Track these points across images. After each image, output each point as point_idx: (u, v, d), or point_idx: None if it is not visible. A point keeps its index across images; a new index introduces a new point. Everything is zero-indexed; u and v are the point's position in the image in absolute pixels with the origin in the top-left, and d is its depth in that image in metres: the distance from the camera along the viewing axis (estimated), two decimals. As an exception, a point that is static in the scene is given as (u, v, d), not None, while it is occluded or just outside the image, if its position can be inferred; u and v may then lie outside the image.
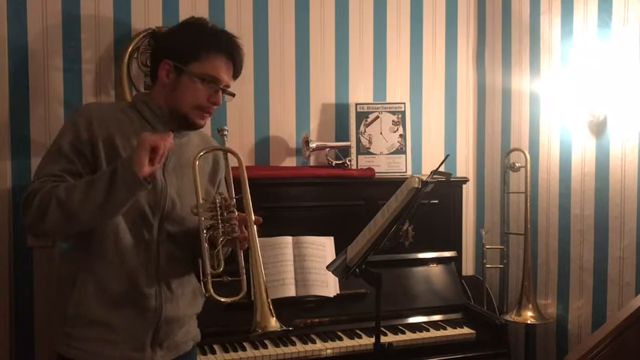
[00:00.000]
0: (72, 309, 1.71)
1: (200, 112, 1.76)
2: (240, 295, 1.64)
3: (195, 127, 1.79)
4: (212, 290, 1.61)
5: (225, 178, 1.77)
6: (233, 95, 1.84)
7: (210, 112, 1.78)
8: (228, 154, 1.76)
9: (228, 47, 1.78)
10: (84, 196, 1.56)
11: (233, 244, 1.69)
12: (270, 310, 1.59)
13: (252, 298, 1.61)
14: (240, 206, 1.68)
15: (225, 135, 1.77)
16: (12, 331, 2.50)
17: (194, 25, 1.81)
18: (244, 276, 1.66)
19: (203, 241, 1.63)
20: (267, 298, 1.61)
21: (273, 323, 1.58)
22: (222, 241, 1.65)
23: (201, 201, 1.65)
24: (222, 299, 1.62)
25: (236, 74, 1.84)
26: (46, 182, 1.62)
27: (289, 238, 2.55)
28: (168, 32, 1.87)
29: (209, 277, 1.62)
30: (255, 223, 1.67)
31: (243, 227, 1.68)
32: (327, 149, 2.95)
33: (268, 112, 2.92)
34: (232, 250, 1.74)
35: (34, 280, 2.53)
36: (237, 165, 1.73)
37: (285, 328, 1.60)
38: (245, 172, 1.72)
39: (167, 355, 1.78)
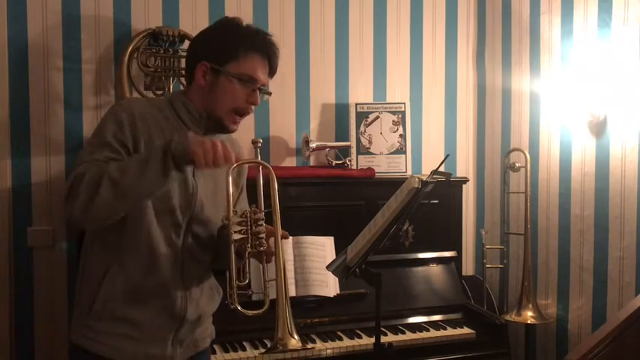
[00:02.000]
0: (99, 304, 1.70)
1: (235, 116, 1.76)
2: (264, 309, 1.64)
3: (228, 131, 1.79)
4: (237, 302, 1.61)
5: (256, 190, 1.74)
6: (270, 94, 1.85)
7: (247, 112, 1.78)
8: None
9: (264, 46, 1.78)
10: (138, 174, 1.52)
11: (259, 257, 1.68)
12: (291, 328, 1.58)
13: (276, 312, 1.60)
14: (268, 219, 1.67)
15: (259, 147, 1.76)
16: (12, 331, 2.50)
17: (229, 25, 1.80)
18: (268, 290, 1.66)
19: (231, 252, 1.62)
20: (290, 316, 1.59)
21: (294, 342, 1.57)
22: (249, 253, 1.65)
23: (232, 213, 1.63)
24: (247, 312, 1.62)
25: (272, 73, 1.83)
26: (91, 165, 1.57)
27: (289, 238, 2.55)
28: (204, 33, 1.84)
29: (235, 289, 1.62)
30: (282, 238, 1.66)
31: (270, 241, 1.67)
32: (327, 149, 2.95)
33: (268, 112, 2.92)
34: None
35: (34, 281, 2.53)
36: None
37: (305, 346, 1.61)
38: (276, 187, 1.68)
39: (186, 351, 1.81)
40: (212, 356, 2.21)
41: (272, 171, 1.70)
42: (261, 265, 1.71)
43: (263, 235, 1.65)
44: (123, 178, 1.51)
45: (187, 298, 1.75)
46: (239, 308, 1.61)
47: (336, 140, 3.03)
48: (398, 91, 3.17)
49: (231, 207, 1.64)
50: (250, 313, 1.62)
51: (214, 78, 1.74)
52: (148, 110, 1.72)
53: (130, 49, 2.56)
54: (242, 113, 1.77)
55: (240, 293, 1.64)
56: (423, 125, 3.22)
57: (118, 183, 1.51)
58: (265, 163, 1.73)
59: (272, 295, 1.62)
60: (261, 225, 1.65)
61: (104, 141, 1.63)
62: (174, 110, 1.76)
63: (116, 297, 1.69)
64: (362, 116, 2.96)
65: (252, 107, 1.78)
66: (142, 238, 1.68)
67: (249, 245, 1.64)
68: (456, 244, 2.90)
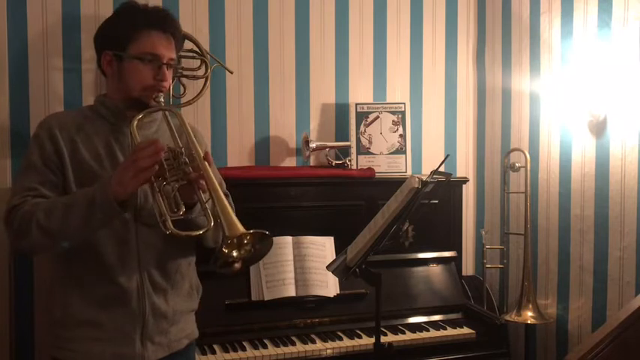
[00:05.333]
0: (59, 311, 1.74)
1: (150, 93, 1.76)
2: (206, 228, 1.63)
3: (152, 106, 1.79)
4: (172, 227, 1.59)
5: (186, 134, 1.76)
6: (182, 68, 1.86)
7: (160, 89, 1.78)
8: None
9: (159, 21, 1.80)
10: (63, 221, 1.59)
11: (191, 190, 1.65)
12: (236, 218, 1.56)
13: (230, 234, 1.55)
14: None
15: (161, 101, 1.77)
16: (12, 331, 2.50)
17: (124, 9, 1.85)
18: (208, 210, 1.64)
19: (154, 190, 1.62)
20: (232, 210, 1.58)
21: (241, 227, 1.54)
22: (174, 188, 1.64)
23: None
24: (181, 233, 1.61)
25: (178, 47, 1.85)
26: (24, 198, 1.66)
27: (289, 238, 2.55)
28: (102, 24, 1.87)
29: (167, 216, 1.60)
30: (204, 159, 1.65)
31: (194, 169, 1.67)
32: (327, 149, 2.95)
33: (268, 112, 2.92)
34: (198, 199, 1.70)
35: (34, 281, 2.53)
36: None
37: (252, 230, 1.54)
38: (184, 120, 1.73)
39: (159, 350, 1.78)
40: (212, 356, 2.21)
41: (180, 114, 1.75)
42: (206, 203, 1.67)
43: (186, 167, 1.64)
44: (49, 222, 1.59)
45: (144, 288, 1.75)
46: (174, 230, 1.59)
47: (336, 140, 3.03)
48: (398, 91, 3.17)
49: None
50: (184, 233, 1.61)
51: (119, 64, 1.78)
52: (68, 120, 1.78)
53: (129, 49, 2.56)
54: (155, 90, 1.77)
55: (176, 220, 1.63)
56: (423, 125, 3.22)
57: (46, 228, 1.59)
58: (171, 109, 1.78)
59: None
60: (181, 159, 1.64)
61: (30, 164, 1.72)
62: (95, 111, 1.81)
63: (72, 301, 1.72)
64: (362, 116, 2.96)
65: (165, 83, 1.79)
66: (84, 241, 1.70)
67: (171, 179, 1.63)
68: (455, 244, 2.90)
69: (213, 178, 1.62)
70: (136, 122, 1.71)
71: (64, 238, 1.62)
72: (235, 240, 1.55)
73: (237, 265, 1.60)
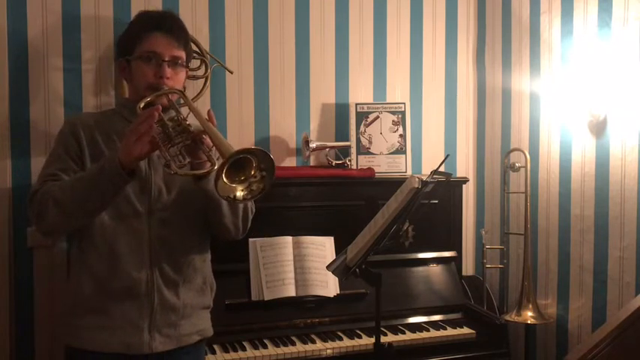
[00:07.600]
0: (70, 300, 1.81)
1: (154, 91, 1.83)
2: (207, 169, 1.68)
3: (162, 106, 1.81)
4: (176, 168, 1.63)
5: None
6: (187, 67, 1.95)
7: (161, 87, 1.83)
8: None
9: (158, 22, 1.89)
10: (74, 191, 1.67)
11: (195, 147, 1.70)
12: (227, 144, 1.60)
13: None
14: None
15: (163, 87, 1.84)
16: (12, 331, 2.50)
17: (133, 18, 1.99)
18: (211, 154, 1.70)
19: (162, 150, 1.65)
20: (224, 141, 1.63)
21: (231, 148, 1.58)
22: (180, 147, 1.69)
23: None
24: (190, 172, 1.69)
25: (182, 45, 1.91)
26: (44, 183, 1.74)
27: (289, 238, 2.56)
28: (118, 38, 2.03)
29: (170, 161, 1.64)
30: (208, 119, 1.70)
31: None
32: (327, 149, 2.95)
33: (268, 112, 2.92)
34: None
35: (34, 280, 2.53)
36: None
37: (243, 152, 1.58)
38: (189, 99, 1.85)
39: (167, 342, 1.81)
40: (212, 356, 2.21)
41: (181, 91, 1.86)
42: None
43: (189, 127, 1.69)
44: (63, 196, 1.67)
45: (155, 281, 1.78)
46: (178, 171, 1.63)
47: (336, 140, 3.03)
48: (398, 91, 3.17)
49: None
50: (191, 173, 1.70)
51: (129, 68, 1.89)
52: (90, 119, 1.90)
53: (129, 49, 2.56)
54: (158, 88, 1.84)
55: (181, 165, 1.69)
56: (423, 125, 3.22)
57: (60, 202, 1.67)
58: (174, 90, 1.84)
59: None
60: (183, 124, 1.69)
61: (52, 155, 1.85)
62: (116, 111, 1.94)
63: (83, 290, 1.77)
64: (362, 116, 2.96)
65: (167, 81, 1.85)
66: (95, 228, 1.77)
67: (177, 141, 1.67)
68: (455, 244, 2.90)
69: (214, 129, 1.66)
70: (142, 104, 1.77)
71: (76, 209, 1.68)
72: (236, 166, 1.59)
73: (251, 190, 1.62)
